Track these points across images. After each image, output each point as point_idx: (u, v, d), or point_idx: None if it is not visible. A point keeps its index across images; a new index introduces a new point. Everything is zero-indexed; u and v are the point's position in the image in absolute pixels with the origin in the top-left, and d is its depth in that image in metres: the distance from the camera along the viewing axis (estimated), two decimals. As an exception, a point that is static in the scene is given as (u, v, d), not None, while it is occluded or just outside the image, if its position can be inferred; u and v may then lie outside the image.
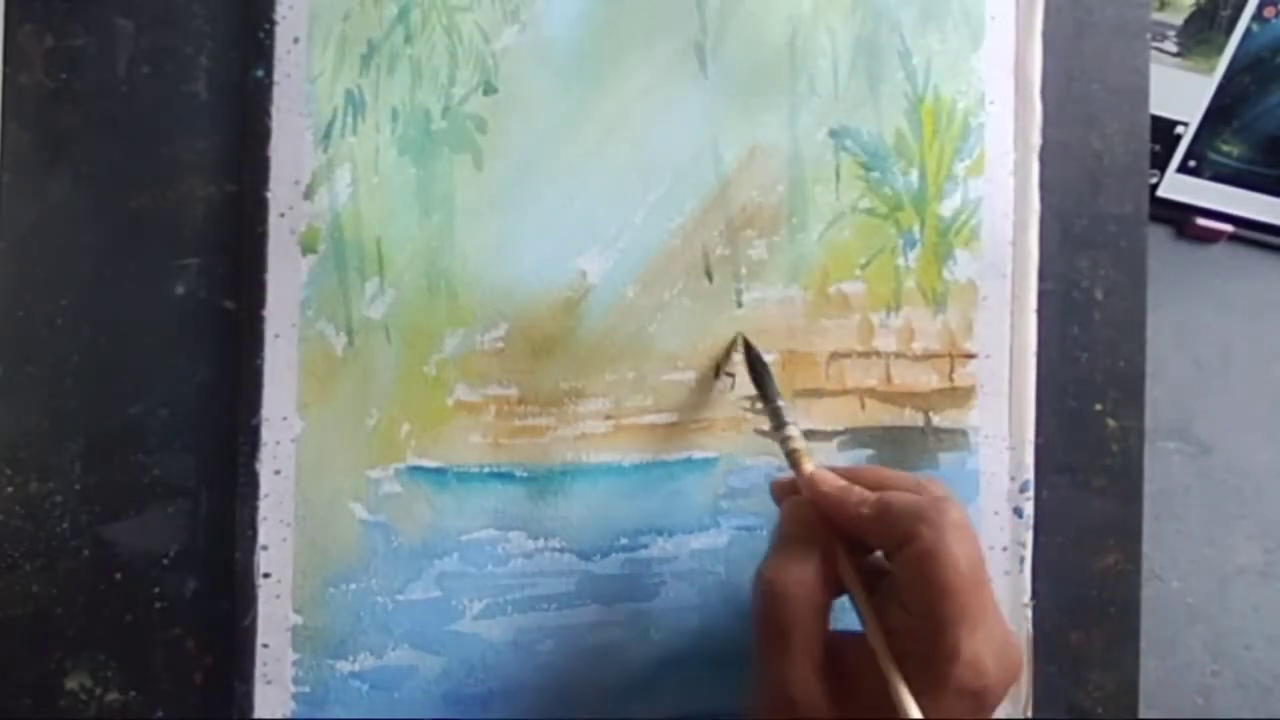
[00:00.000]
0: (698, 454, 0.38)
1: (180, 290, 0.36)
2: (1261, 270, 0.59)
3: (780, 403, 0.36)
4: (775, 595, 0.30)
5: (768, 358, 0.38)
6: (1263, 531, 0.58)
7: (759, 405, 0.37)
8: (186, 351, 0.36)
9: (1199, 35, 0.54)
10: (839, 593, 0.31)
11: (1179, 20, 0.54)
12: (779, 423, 0.35)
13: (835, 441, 0.39)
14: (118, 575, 0.35)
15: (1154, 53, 0.46)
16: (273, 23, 0.35)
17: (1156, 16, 0.54)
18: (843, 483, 0.32)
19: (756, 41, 0.39)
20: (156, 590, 0.35)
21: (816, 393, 0.39)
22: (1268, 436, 0.59)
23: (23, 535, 0.35)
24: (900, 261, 0.40)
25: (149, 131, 0.36)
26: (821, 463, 0.39)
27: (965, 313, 0.40)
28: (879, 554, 0.32)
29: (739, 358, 0.38)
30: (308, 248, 0.36)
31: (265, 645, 0.35)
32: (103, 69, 0.35)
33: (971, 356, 0.40)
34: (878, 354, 0.40)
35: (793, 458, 0.34)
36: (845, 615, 0.31)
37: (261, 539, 0.35)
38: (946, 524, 0.29)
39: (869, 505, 0.31)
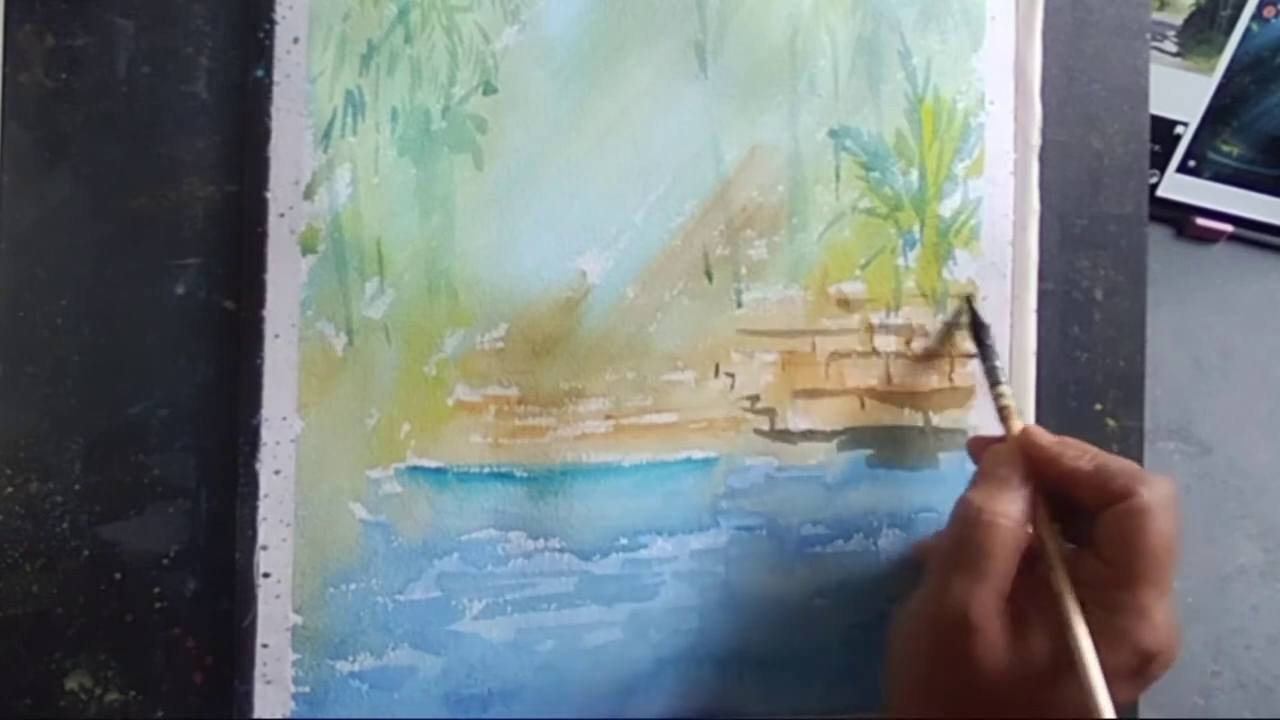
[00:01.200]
0: (698, 454, 0.38)
1: (180, 290, 0.36)
2: (1261, 270, 0.59)
3: (998, 363, 0.37)
4: (981, 522, 0.31)
5: (768, 358, 0.38)
6: (1263, 531, 0.58)
7: (981, 362, 0.39)
8: (186, 351, 0.36)
9: (1199, 35, 0.54)
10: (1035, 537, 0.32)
11: (1179, 20, 0.54)
12: (995, 380, 0.37)
13: (835, 441, 0.39)
14: (118, 575, 0.35)
15: (1154, 53, 0.46)
16: (273, 23, 0.35)
17: (1156, 16, 0.53)
18: (1057, 438, 0.33)
19: (756, 41, 0.39)
20: (156, 590, 0.35)
21: (816, 393, 0.39)
22: (1268, 436, 0.59)
23: (23, 535, 0.35)
24: (900, 261, 0.40)
25: (149, 131, 0.36)
26: (821, 462, 0.39)
27: (965, 313, 0.40)
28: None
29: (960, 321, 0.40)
30: (308, 248, 0.36)
31: (265, 645, 0.35)
32: (103, 69, 0.35)
33: (972, 356, 0.40)
34: (878, 354, 0.40)
35: (1004, 413, 0.35)
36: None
37: (261, 539, 0.35)
38: (1163, 491, 0.30)
39: (1087, 459, 0.32)
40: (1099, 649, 0.29)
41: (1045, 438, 0.33)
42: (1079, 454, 0.32)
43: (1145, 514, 0.30)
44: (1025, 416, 0.40)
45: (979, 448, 0.36)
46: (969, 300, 0.40)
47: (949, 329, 0.39)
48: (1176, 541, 0.30)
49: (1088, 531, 0.31)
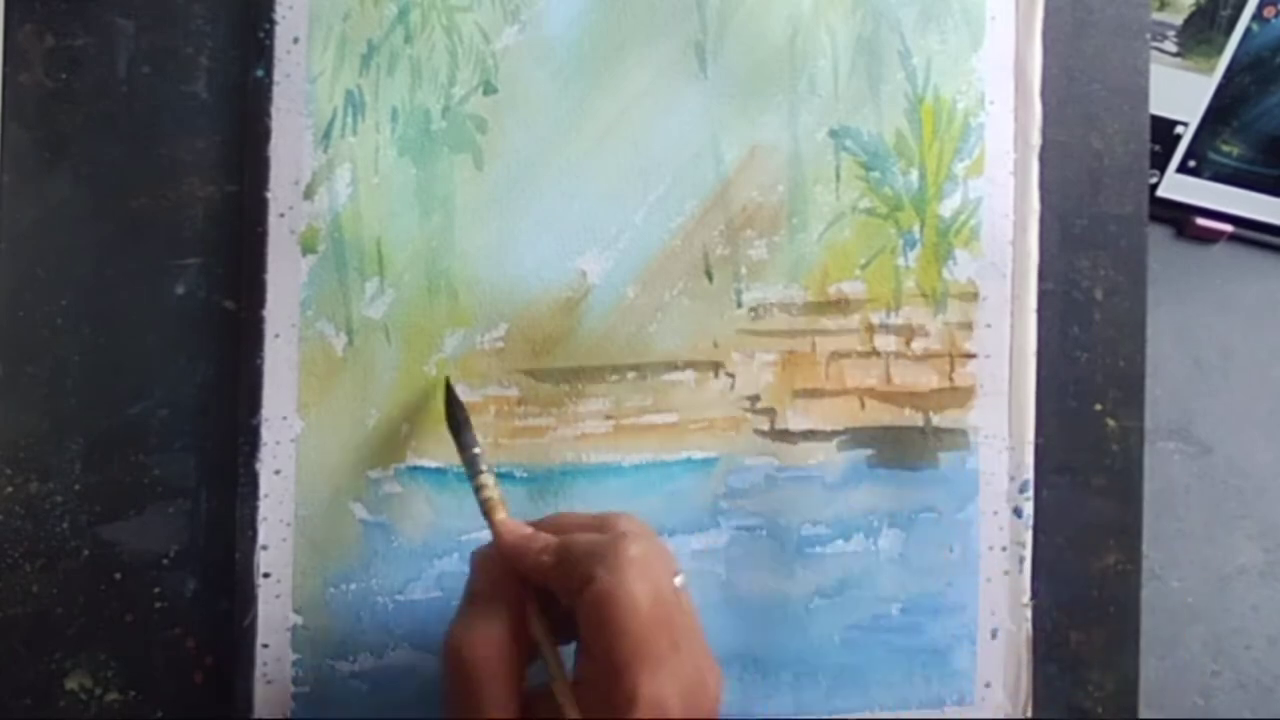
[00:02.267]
0: (698, 454, 0.38)
1: (180, 290, 0.36)
2: (1261, 270, 0.59)
3: (476, 450, 0.34)
4: (461, 658, 0.29)
5: (768, 358, 0.38)
6: (1263, 531, 0.58)
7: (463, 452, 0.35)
8: (186, 351, 0.36)
9: (1199, 35, 0.54)
10: (535, 652, 0.30)
11: (1179, 20, 0.54)
12: (474, 470, 0.34)
13: (835, 441, 0.39)
14: (118, 575, 0.35)
15: (1154, 53, 0.46)
16: (273, 23, 0.35)
17: (1156, 16, 0.53)
18: (528, 531, 0.31)
19: (756, 41, 0.39)
20: (156, 590, 0.35)
21: (816, 393, 0.39)
22: (1268, 436, 0.59)
23: (23, 535, 0.35)
24: (900, 261, 0.40)
25: (149, 131, 0.36)
26: (821, 462, 0.39)
27: (965, 313, 0.40)
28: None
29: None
30: (308, 248, 0.36)
31: (265, 645, 0.35)
32: (103, 69, 0.35)
33: (971, 356, 0.40)
34: (878, 354, 0.40)
35: (485, 506, 0.33)
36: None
37: (261, 539, 0.35)
38: (622, 562, 0.28)
39: (550, 552, 0.30)
40: None
41: (513, 534, 0.31)
42: (542, 548, 0.30)
43: (606, 599, 0.27)
44: (1025, 417, 0.40)
45: (478, 562, 0.32)
46: (447, 382, 0.36)
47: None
48: (651, 608, 0.27)
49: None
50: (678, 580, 0.30)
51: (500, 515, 0.32)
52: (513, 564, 0.31)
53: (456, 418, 0.35)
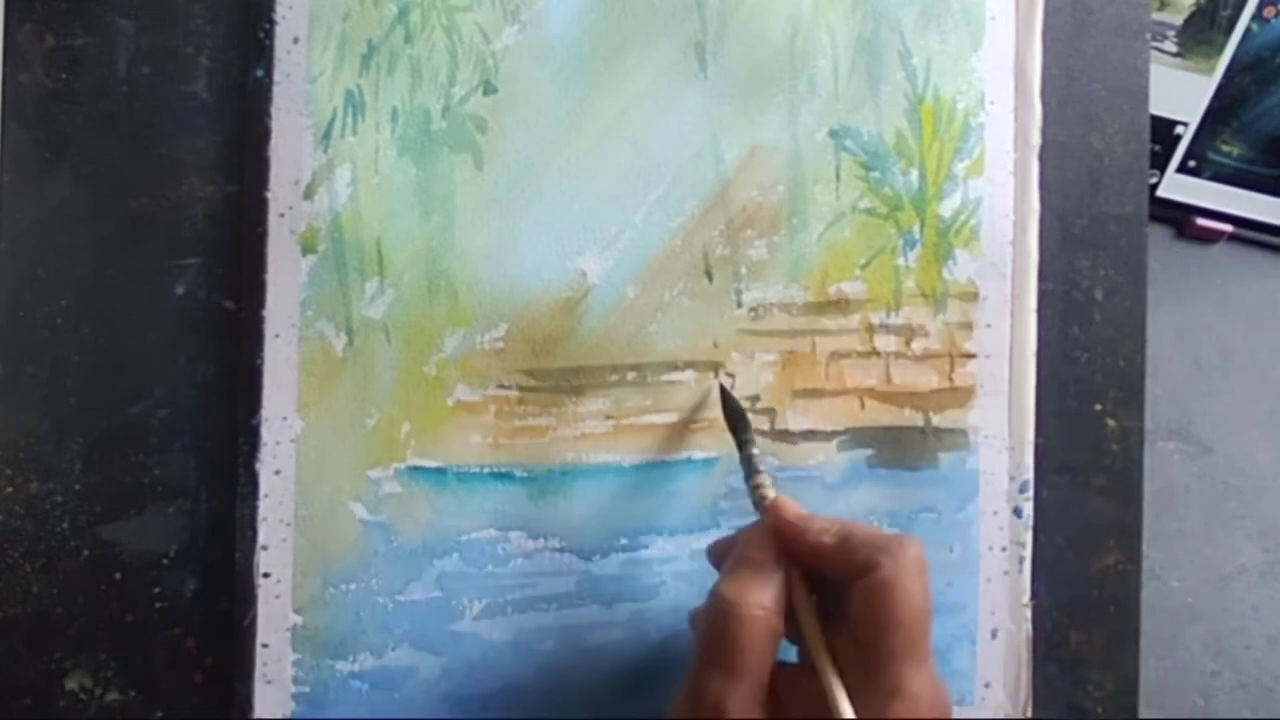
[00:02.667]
0: (698, 454, 0.38)
1: (180, 290, 0.36)
2: (1261, 270, 0.59)
3: (755, 450, 0.35)
4: (734, 615, 0.29)
5: (768, 358, 0.38)
6: (1263, 531, 0.58)
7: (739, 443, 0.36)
8: (186, 351, 0.36)
9: (1199, 35, 0.54)
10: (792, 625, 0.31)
11: (1179, 20, 0.54)
12: (752, 470, 0.34)
13: (835, 441, 0.39)
14: (118, 575, 0.35)
15: (1154, 53, 0.46)
16: (273, 23, 0.35)
17: (1156, 16, 0.54)
18: (804, 511, 0.32)
19: (756, 41, 0.39)
20: (156, 590, 0.35)
21: (816, 393, 0.39)
22: (1268, 436, 0.59)
23: (23, 535, 0.35)
24: (900, 261, 0.40)
25: (149, 131, 0.36)
26: (821, 462, 0.39)
27: (965, 313, 0.40)
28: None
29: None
30: (308, 248, 0.36)
31: (265, 645, 0.35)
32: (103, 69, 0.35)
33: (971, 356, 0.40)
34: (878, 354, 0.40)
35: (761, 504, 0.33)
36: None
37: (261, 539, 0.35)
38: (908, 558, 0.29)
39: (831, 534, 0.31)
40: None
41: (790, 512, 0.32)
42: (824, 528, 0.31)
43: (889, 587, 0.28)
44: (1025, 417, 0.40)
45: (720, 553, 0.34)
46: (722, 388, 0.37)
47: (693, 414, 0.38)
48: (925, 607, 0.29)
49: (844, 604, 0.30)
50: None
51: (772, 494, 0.33)
52: (790, 539, 0.31)
53: (736, 419, 0.36)
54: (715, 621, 0.30)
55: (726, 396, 0.37)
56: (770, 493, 0.33)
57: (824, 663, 0.29)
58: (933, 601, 0.29)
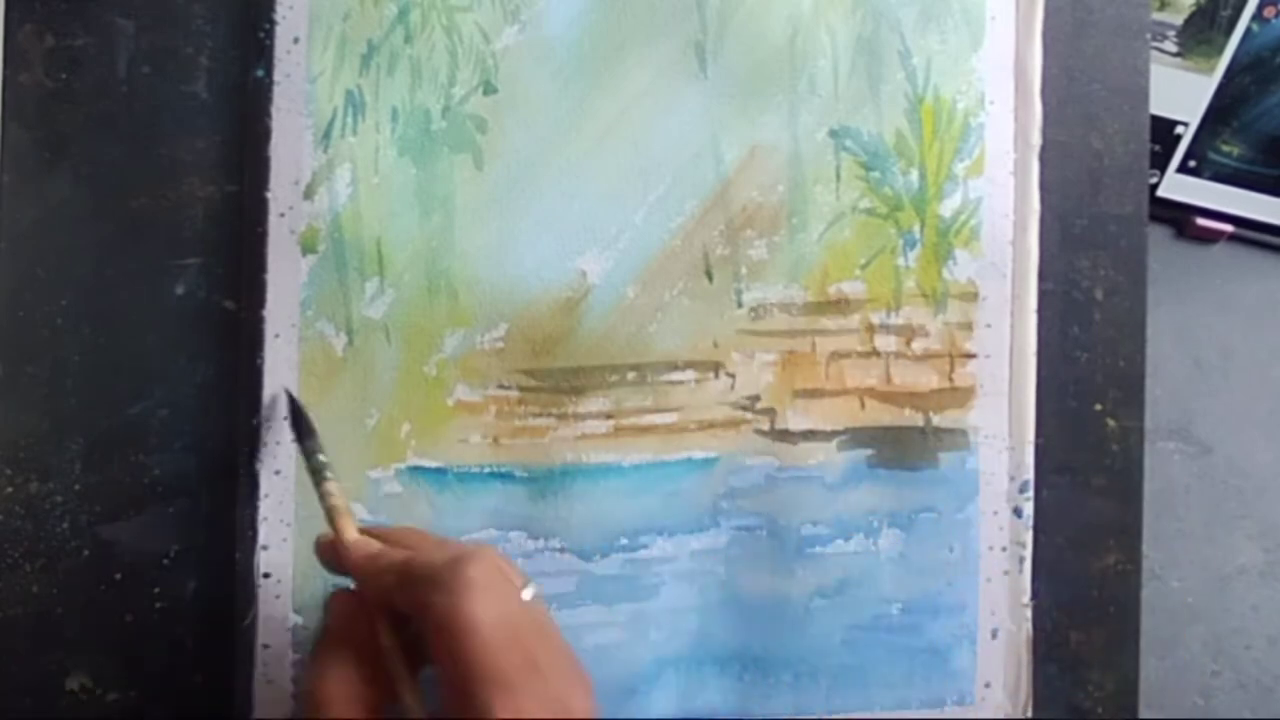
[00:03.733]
0: (698, 454, 0.38)
1: (180, 290, 0.36)
2: (1261, 270, 0.59)
3: (322, 457, 0.33)
4: (316, 704, 0.28)
5: (768, 358, 0.38)
6: (1263, 531, 0.58)
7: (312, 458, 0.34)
8: (186, 351, 0.36)
9: (1199, 35, 0.54)
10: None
11: (1179, 20, 0.54)
12: (319, 479, 0.33)
13: (835, 441, 0.39)
14: (118, 575, 0.35)
15: (1154, 53, 0.46)
16: (273, 23, 0.35)
17: (1156, 16, 0.53)
18: (375, 548, 0.30)
19: (756, 41, 0.39)
20: (156, 590, 0.35)
21: (816, 393, 0.39)
22: (1268, 436, 0.59)
23: (23, 535, 0.35)
24: (900, 261, 0.40)
25: (149, 131, 0.36)
26: (821, 462, 0.39)
27: (965, 313, 0.40)
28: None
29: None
30: (308, 248, 0.36)
31: (265, 645, 0.35)
32: (103, 69, 0.35)
33: (971, 356, 0.40)
34: (878, 354, 0.40)
35: (331, 514, 0.32)
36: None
37: (261, 539, 0.35)
38: (459, 584, 0.27)
39: (393, 572, 0.29)
40: None
41: (361, 553, 0.30)
42: (387, 567, 0.29)
43: (444, 624, 0.26)
44: (1025, 417, 0.40)
45: (325, 553, 0.32)
46: (288, 393, 0.35)
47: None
48: (510, 625, 0.26)
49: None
50: (527, 594, 0.28)
51: (350, 533, 0.31)
52: (359, 584, 0.30)
53: (300, 423, 0.34)
54: (308, 713, 0.28)
55: (295, 405, 0.35)
56: (339, 502, 0.32)
57: (413, 707, 0.28)
58: (509, 616, 0.27)
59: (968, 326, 0.40)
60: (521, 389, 0.37)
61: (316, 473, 0.33)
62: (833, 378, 0.39)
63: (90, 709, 0.35)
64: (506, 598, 0.27)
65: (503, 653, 0.26)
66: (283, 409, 0.35)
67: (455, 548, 0.30)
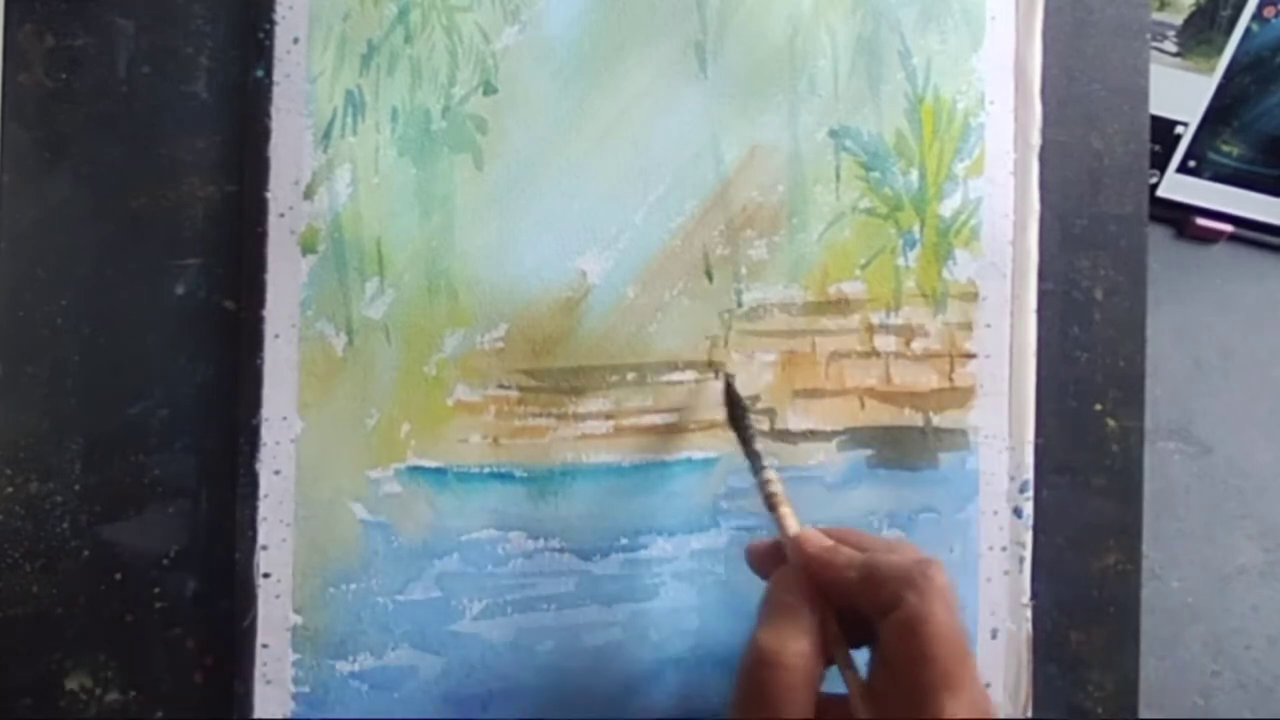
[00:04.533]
0: (698, 454, 0.38)
1: (180, 290, 0.36)
2: (1261, 270, 0.59)
3: (758, 446, 0.35)
4: (772, 665, 0.29)
5: (768, 358, 0.38)
6: (1263, 531, 0.58)
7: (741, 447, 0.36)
8: (186, 351, 0.36)
9: (1199, 35, 0.54)
10: (829, 662, 0.31)
11: (1179, 20, 0.54)
12: (758, 466, 0.34)
13: (835, 441, 0.39)
14: (118, 575, 0.35)
15: (1154, 53, 0.46)
16: (273, 23, 0.35)
17: (1156, 16, 0.54)
18: (829, 543, 0.32)
19: (756, 41, 0.39)
20: (156, 590, 0.35)
21: (816, 393, 0.39)
22: (1268, 436, 0.59)
23: (23, 535, 0.35)
24: (900, 261, 0.40)
25: (149, 131, 0.36)
26: (821, 462, 0.39)
27: (965, 313, 0.40)
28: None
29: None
30: (308, 248, 0.36)
31: (265, 645, 0.35)
32: (103, 69, 0.35)
33: (971, 356, 0.40)
34: (878, 354, 0.40)
35: (771, 500, 0.33)
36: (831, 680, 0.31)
37: (261, 539, 0.35)
38: (932, 589, 0.29)
39: (855, 568, 0.30)
40: None
41: (816, 545, 0.32)
42: (847, 563, 0.30)
43: (916, 623, 0.28)
44: (1025, 417, 0.40)
45: (758, 559, 0.34)
46: (727, 379, 0.36)
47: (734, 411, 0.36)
48: (956, 635, 0.28)
49: (874, 635, 0.30)
50: None
51: (793, 526, 0.33)
52: (813, 574, 0.31)
53: (737, 413, 0.35)
54: (756, 672, 0.29)
55: (730, 390, 0.37)
56: (779, 489, 0.33)
57: (859, 702, 0.29)
58: (963, 626, 0.29)
59: (968, 326, 0.40)
60: (521, 389, 0.37)
61: (755, 459, 0.34)
62: (833, 378, 0.39)
63: (90, 709, 0.35)
64: (956, 608, 0.29)
65: (959, 658, 0.28)
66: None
67: (910, 549, 0.32)
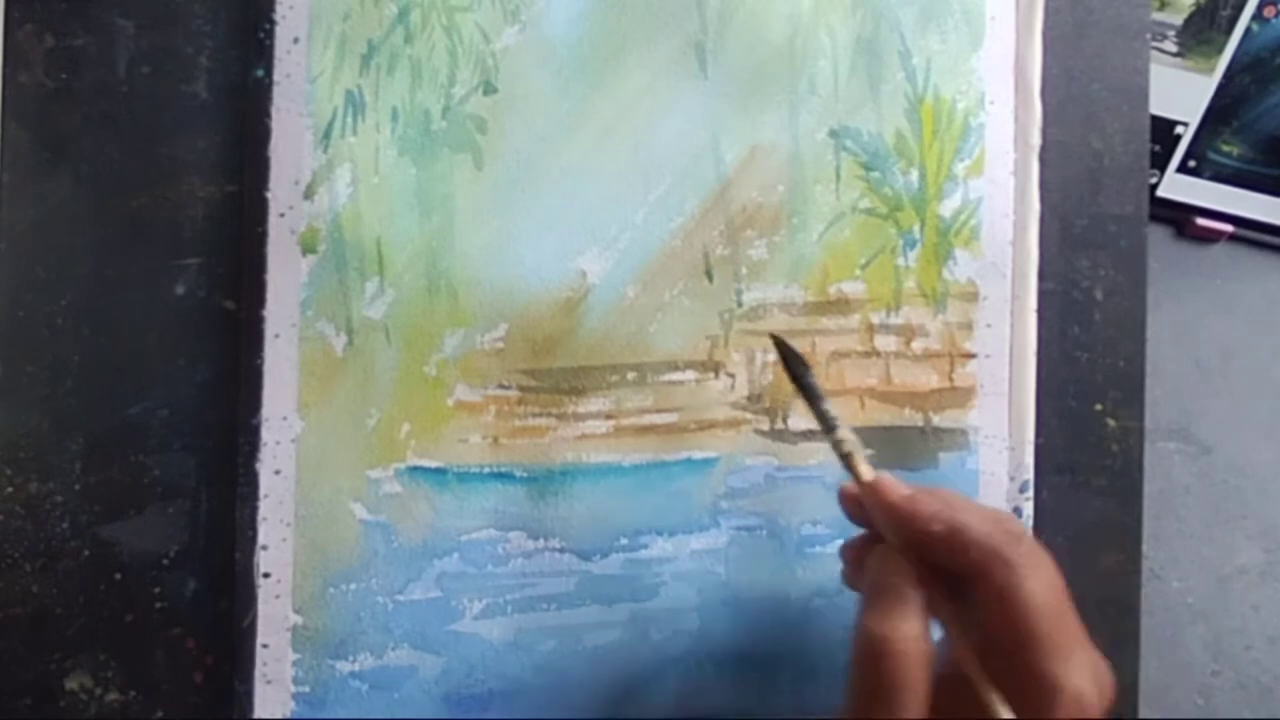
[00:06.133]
0: (698, 454, 0.38)
1: (180, 290, 0.36)
2: (1261, 270, 0.59)
3: (826, 405, 0.33)
4: (888, 653, 0.28)
5: (768, 358, 0.38)
6: (1263, 531, 0.58)
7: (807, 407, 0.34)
8: (186, 351, 0.36)
9: (1199, 35, 0.54)
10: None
11: (1179, 20, 0.54)
12: (829, 425, 0.33)
13: (835, 441, 0.39)
14: (118, 575, 0.35)
15: (1154, 53, 0.46)
16: (273, 23, 0.35)
17: (1156, 16, 0.54)
18: (908, 491, 0.31)
19: (756, 41, 0.39)
20: (156, 590, 0.35)
21: (816, 393, 0.39)
22: (1268, 436, 0.59)
23: (23, 535, 0.35)
24: (900, 261, 0.40)
25: (149, 131, 0.36)
26: (821, 462, 0.39)
27: (965, 313, 0.40)
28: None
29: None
30: (308, 248, 0.36)
31: (265, 645, 0.35)
32: (103, 69, 0.35)
33: (971, 356, 0.40)
34: (878, 354, 0.40)
35: (848, 460, 0.32)
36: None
37: (261, 539, 0.35)
38: (1023, 560, 0.28)
39: (941, 523, 0.30)
40: None
41: (893, 494, 0.31)
42: (933, 515, 0.30)
43: (1009, 595, 0.28)
44: (1025, 417, 0.40)
45: (852, 502, 0.33)
46: (778, 339, 0.34)
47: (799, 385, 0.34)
48: (1054, 602, 0.28)
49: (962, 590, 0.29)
50: None
51: (869, 473, 0.32)
52: (893, 523, 0.31)
53: (797, 370, 0.33)
54: (870, 660, 0.29)
55: (783, 346, 0.34)
56: (854, 448, 0.32)
57: (979, 675, 0.29)
58: (1061, 590, 0.29)
59: (968, 326, 0.40)
60: (521, 389, 0.37)
61: (825, 419, 0.33)
62: (833, 378, 0.39)
63: (90, 709, 0.35)
64: (1055, 571, 0.29)
65: (1060, 623, 0.28)
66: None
67: (993, 510, 0.31)
